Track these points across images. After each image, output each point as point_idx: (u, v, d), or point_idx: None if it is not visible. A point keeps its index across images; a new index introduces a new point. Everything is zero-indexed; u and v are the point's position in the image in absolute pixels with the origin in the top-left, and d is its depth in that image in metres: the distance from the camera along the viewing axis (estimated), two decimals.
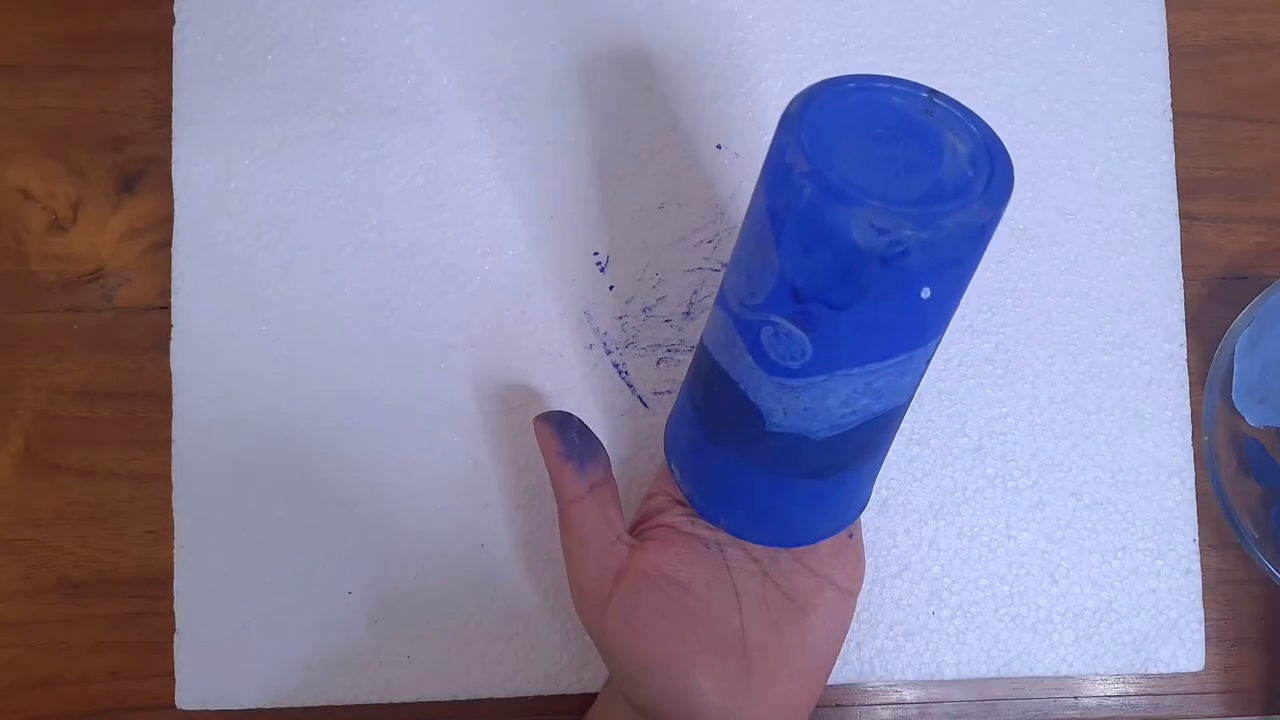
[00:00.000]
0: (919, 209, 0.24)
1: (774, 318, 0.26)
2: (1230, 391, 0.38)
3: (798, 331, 0.26)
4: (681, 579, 0.32)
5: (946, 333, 0.39)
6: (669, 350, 0.39)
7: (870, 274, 0.24)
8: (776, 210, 0.25)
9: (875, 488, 0.38)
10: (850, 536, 0.34)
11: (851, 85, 0.27)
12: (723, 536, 0.33)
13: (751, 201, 0.27)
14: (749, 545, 0.34)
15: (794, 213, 0.25)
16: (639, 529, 0.35)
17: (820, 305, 0.25)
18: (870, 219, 0.23)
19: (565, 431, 0.33)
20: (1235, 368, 0.38)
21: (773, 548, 0.33)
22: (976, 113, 0.26)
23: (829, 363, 0.26)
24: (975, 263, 0.26)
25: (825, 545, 0.33)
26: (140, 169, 0.40)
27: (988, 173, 0.25)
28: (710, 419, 0.31)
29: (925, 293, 0.24)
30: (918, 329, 0.26)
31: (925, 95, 0.27)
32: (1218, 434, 0.38)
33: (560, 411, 0.34)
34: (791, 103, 0.26)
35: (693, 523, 0.34)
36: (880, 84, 0.27)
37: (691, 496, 0.33)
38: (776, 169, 0.25)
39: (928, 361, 0.28)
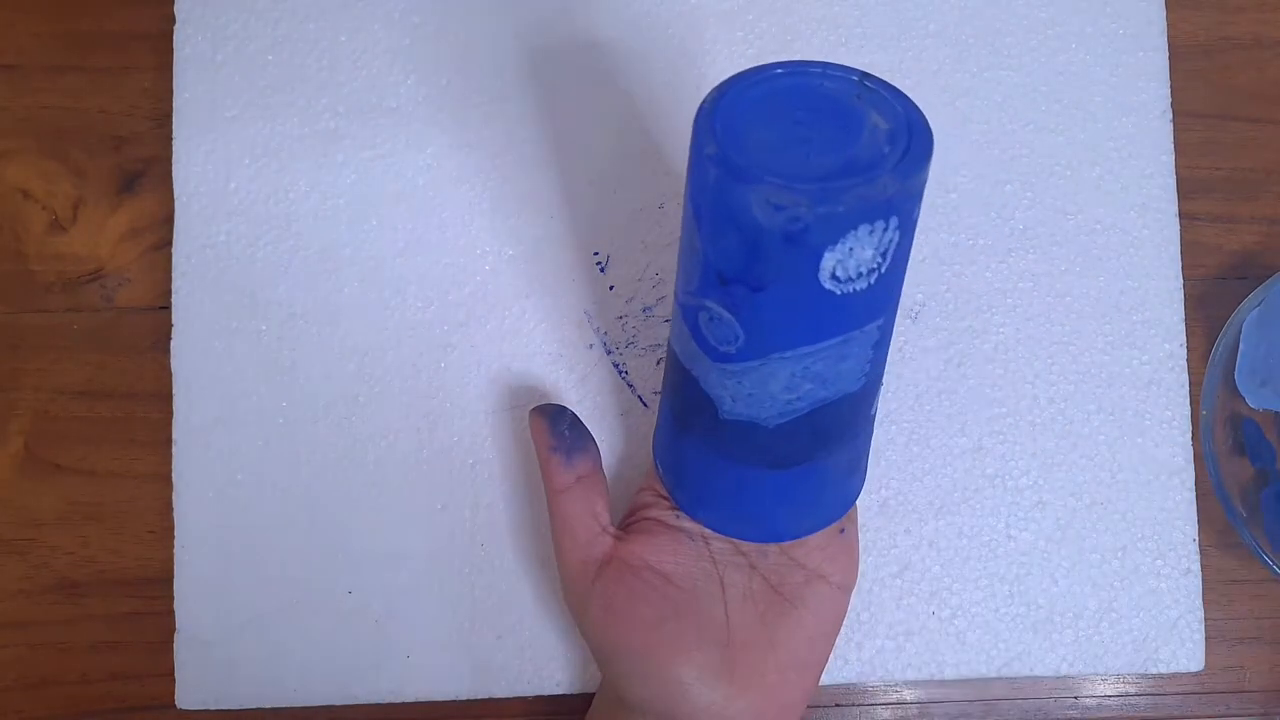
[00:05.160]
0: (819, 184, 0.23)
1: (707, 302, 0.27)
2: (1233, 370, 0.38)
3: (727, 315, 0.26)
4: (665, 570, 0.33)
5: (946, 333, 0.39)
6: None
7: (777, 252, 0.24)
8: (694, 196, 0.26)
9: (875, 487, 0.38)
10: (842, 532, 0.34)
11: (779, 71, 0.26)
12: (708, 531, 0.34)
13: (684, 192, 0.27)
14: (734, 539, 0.34)
15: (705, 195, 0.25)
16: (626, 522, 0.35)
17: (741, 287, 0.25)
18: (769, 196, 0.23)
19: (557, 424, 0.34)
20: (1240, 347, 0.38)
21: (756, 543, 0.33)
22: (910, 96, 0.26)
23: (761, 346, 0.26)
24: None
25: (814, 539, 0.33)
26: (140, 169, 0.40)
27: (903, 147, 0.25)
28: (678, 411, 0.31)
29: (840, 271, 0.24)
30: (846, 311, 0.26)
31: (856, 79, 0.26)
32: (1216, 411, 0.38)
33: (555, 405, 0.35)
34: (710, 92, 0.26)
35: (678, 517, 0.34)
36: (812, 69, 0.26)
37: (673, 492, 0.33)
38: (692, 156, 0.26)
39: (875, 347, 0.28)
